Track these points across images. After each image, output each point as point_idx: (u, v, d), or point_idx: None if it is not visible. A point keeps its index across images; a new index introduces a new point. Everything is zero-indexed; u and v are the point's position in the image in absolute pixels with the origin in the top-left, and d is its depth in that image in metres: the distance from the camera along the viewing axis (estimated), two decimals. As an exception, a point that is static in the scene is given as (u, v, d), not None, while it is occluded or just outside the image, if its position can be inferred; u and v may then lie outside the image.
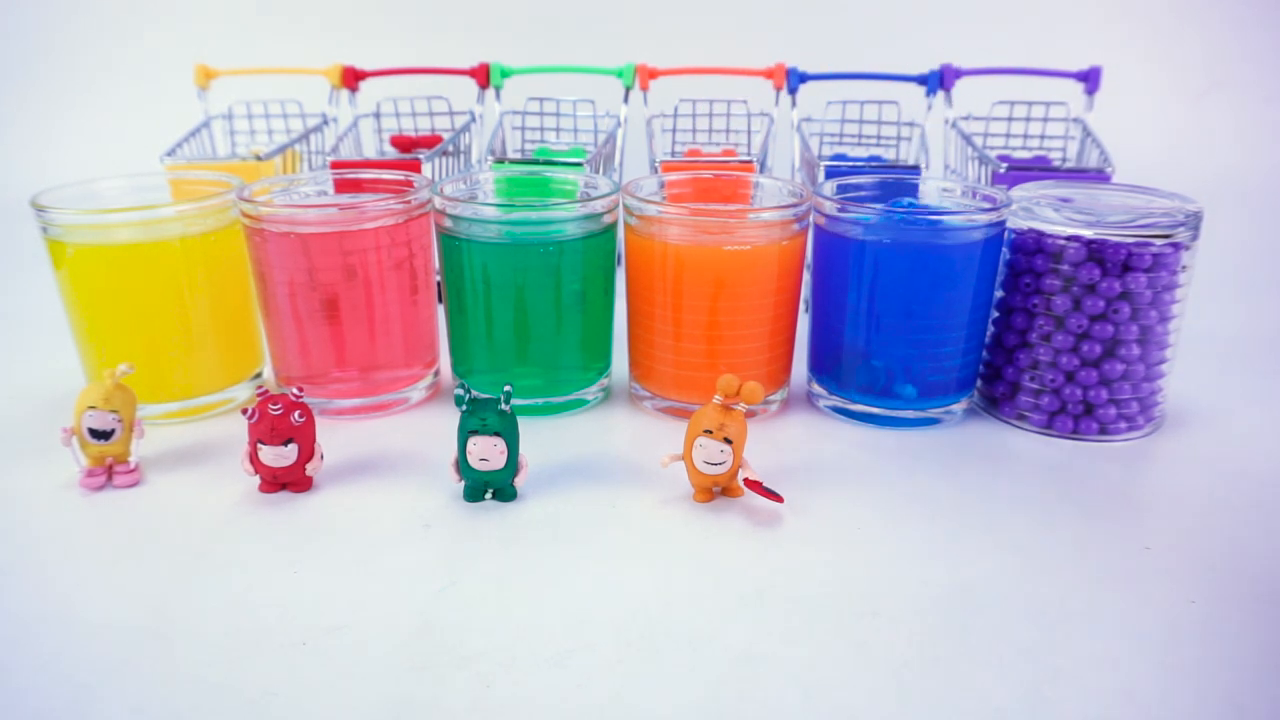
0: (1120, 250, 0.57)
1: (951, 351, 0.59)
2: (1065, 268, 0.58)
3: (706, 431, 0.48)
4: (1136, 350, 0.58)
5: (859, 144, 0.95)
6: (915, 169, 0.83)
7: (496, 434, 0.50)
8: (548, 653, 0.40)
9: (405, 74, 0.98)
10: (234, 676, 0.39)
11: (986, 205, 0.61)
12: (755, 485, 0.50)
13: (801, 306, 0.64)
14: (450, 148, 0.91)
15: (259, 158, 0.87)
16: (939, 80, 0.93)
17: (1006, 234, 0.62)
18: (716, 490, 0.52)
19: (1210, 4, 1.21)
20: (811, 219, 0.62)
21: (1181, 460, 0.58)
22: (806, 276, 0.66)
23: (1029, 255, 0.60)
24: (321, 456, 0.53)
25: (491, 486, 0.52)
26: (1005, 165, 0.82)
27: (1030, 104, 0.92)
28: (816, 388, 0.65)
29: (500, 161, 0.85)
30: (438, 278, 0.66)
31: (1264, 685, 0.39)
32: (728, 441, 0.48)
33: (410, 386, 0.65)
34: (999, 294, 0.63)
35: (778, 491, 0.50)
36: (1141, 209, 0.59)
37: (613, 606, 0.43)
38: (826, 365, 0.63)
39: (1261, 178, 1.18)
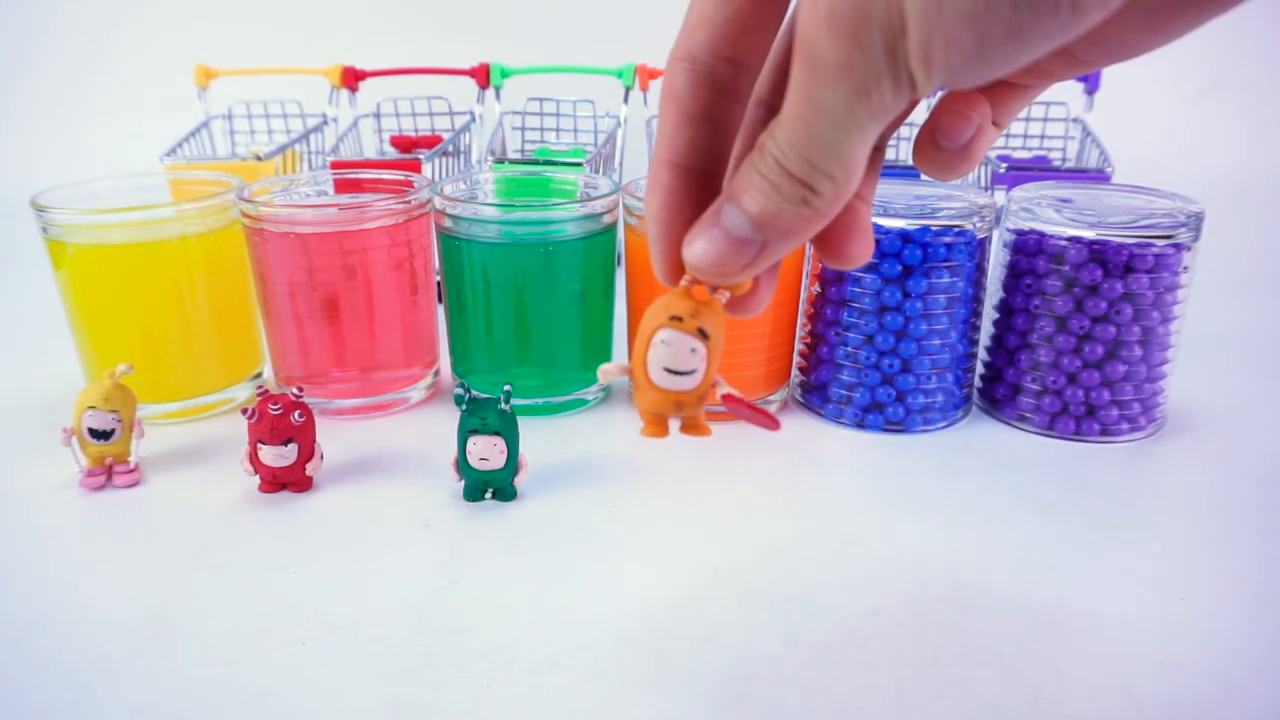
0: (1122, 251, 0.57)
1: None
2: (1067, 269, 0.58)
3: (674, 319, 0.30)
4: (1138, 351, 0.58)
5: (859, 144, 0.94)
6: (915, 169, 0.83)
7: (496, 433, 0.50)
8: (548, 653, 0.40)
9: (405, 74, 0.98)
10: (234, 676, 0.39)
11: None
12: (739, 402, 0.34)
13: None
14: (450, 148, 0.91)
15: (259, 158, 0.87)
16: (939, 80, 0.92)
17: (1006, 235, 0.62)
18: (674, 421, 0.34)
19: (1210, 4, 1.21)
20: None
21: (1183, 461, 0.58)
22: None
23: (1030, 256, 0.60)
24: (321, 456, 0.53)
25: (491, 486, 0.52)
26: (1005, 165, 0.82)
27: (1030, 104, 0.92)
28: None
29: (500, 161, 0.85)
30: (438, 278, 0.66)
31: (1264, 685, 0.39)
32: (703, 337, 0.30)
33: (410, 386, 0.65)
34: (1000, 295, 0.63)
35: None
36: (1142, 209, 0.59)
37: (613, 606, 0.43)
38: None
39: (1262, 178, 1.18)
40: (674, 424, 0.34)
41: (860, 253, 0.28)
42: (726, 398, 0.34)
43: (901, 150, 0.93)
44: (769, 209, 0.24)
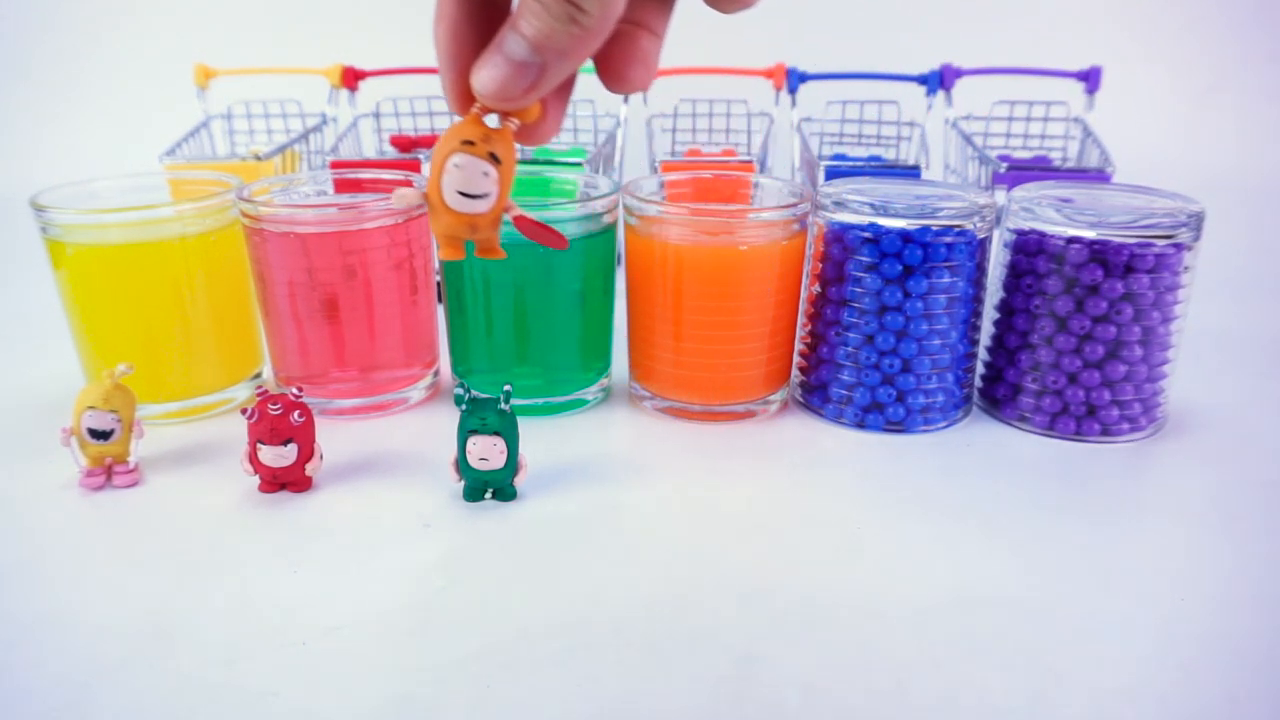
0: (1123, 251, 0.57)
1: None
2: (1067, 269, 0.58)
3: (466, 144, 0.33)
4: (1139, 351, 0.58)
5: (859, 144, 0.95)
6: (915, 169, 0.83)
7: (496, 433, 0.50)
8: (548, 652, 0.40)
9: (405, 74, 0.98)
10: (234, 676, 0.39)
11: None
12: (529, 222, 0.38)
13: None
14: (450, 148, 0.91)
15: (259, 158, 0.87)
16: (939, 80, 0.93)
17: (1007, 234, 0.62)
18: (469, 246, 0.36)
19: (1210, 4, 1.21)
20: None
21: (1184, 461, 0.58)
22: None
23: (1030, 256, 0.60)
24: (321, 456, 0.53)
25: (491, 486, 0.52)
26: (1005, 165, 0.82)
27: (1030, 104, 0.92)
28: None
29: (500, 161, 0.85)
30: (438, 278, 0.66)
31: (1264, 685, 0.39)
32: (494, 161, 0.33)
33: (410, 386, 0.65)
34: (1000, 295, 0.63)
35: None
36: (1143, 209, 0.59)
37: (613, 606, 0.43)
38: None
39: (1262, 178, 1.18)
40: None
41: (638, 79, 0.31)
42: (517, 219, 0.37)
43: (902, 150, 0.93)
44: (543, 30, 0.27)
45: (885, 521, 0.51)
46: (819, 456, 0.58)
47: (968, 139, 0.88)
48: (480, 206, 0.34)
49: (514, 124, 0.32)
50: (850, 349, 0.61)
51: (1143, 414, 0.60)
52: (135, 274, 0.59)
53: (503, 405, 0.50)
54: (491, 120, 0.33)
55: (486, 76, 0.29)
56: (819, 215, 0.62)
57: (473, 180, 0.33)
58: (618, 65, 0.30)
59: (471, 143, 0.32)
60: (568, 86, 0.32)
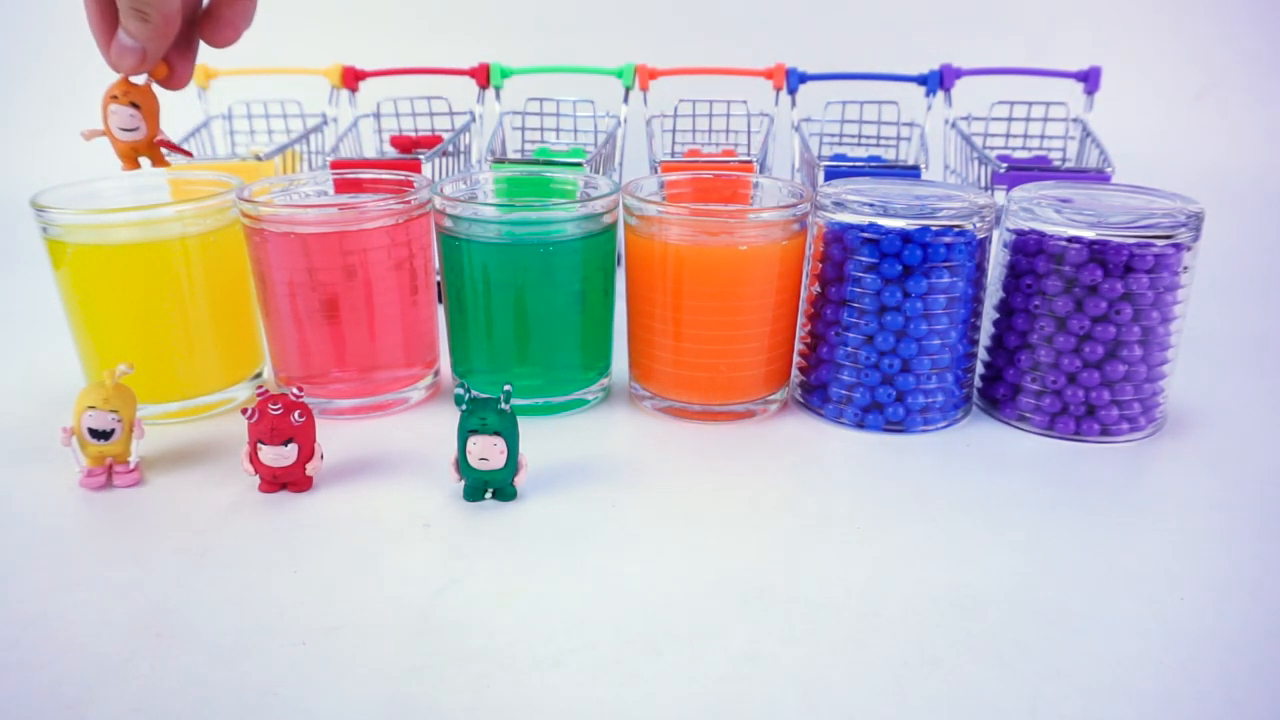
0: (1122, 251, 0.57)
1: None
2: (1067, 269, 0.58)
3: (113, 97, 0.51)
4: (1138, 351, 0.58)
5: (859, 144, 0.95)
6: (915, 169, 0.83)
7: (496, 433, 0.50)
8: (548, 653, 0.40)
9: (405, 74, 0.98)
10: (234, 676, 0.39)
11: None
12: (164, 143, 0.54)
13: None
14: (450, 148, 0.91)
15: (259, 158, 0.87)
16: (939, 80, 0.93)
17: (1005, 235, 0.62)
18: (143, 160, 0.55)
19: (1208, 4, 1.21)
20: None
21: (1183, 461, 0.58)
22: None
23: (1030, 256, 0.60)
24: (321, 456, 0.53)
25: (491, 486, 0.52)
26: (1005, 165, 0.82)
27: (1030, 104, 0.92)
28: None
29: (500, 161, 0.85)
30: (438, 278, 0.66)
31: (1263, 685, 0.39)
32: (135, 106, 0.51)
33: (410, 386, 0.65)
34: (1000, 295, 0.63)
35: (187, 148, 0.63)
36: (1142, 209, 0.59)
37: (613, 606, 0.43)
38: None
39: (1261, 178, 1.18)
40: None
41: (181, 77, 0.52)
42: (160, 141, 0.54)
43: (901, 150, 0.93)
44: (131, 27, 0.46)
45: (885, 521, 0.51)
46: (819, 456, 0.59)
47: (967, 139, 0.88)
48: (137, 136, 0.52)
49: (142, 79, 0.51)
50: (850, 349, 0.61)
51: (1142, 414, 0.60)
52: (135, 274, 0.59)
53: (503, 405, 0.50)
54: (138, 79, 0.51)
55: (114, 56, 0.48)
56: (819, 215, 0.62)
57: (124, 121, 0.52)
58: (208, 34, 0.50)
59: (116, 96, 0.51)
60: (188, 49, 0.51)
